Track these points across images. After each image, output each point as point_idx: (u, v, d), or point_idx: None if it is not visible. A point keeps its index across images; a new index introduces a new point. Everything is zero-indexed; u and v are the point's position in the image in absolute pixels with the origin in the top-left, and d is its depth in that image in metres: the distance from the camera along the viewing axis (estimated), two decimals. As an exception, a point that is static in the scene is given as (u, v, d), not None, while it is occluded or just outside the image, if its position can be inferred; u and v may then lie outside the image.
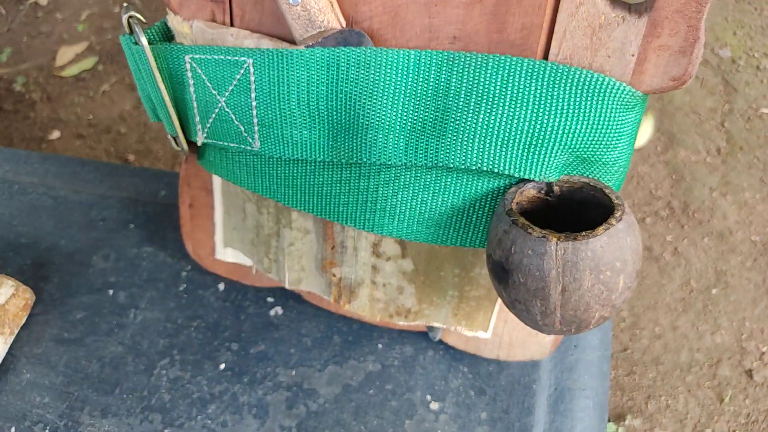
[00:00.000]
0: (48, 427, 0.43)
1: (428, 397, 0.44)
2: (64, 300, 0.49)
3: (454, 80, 0.31)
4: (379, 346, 0.46)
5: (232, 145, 0.36)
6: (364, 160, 0.33)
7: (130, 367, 0.46)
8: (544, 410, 0.44)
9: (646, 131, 1.25)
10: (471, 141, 0.31)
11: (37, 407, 0.44)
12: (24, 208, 0.55)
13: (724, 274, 1.10)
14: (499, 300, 0.40)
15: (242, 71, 0.33)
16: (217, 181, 0.43)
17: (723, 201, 1.18)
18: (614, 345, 1.02)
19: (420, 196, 0.34)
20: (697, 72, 1.35)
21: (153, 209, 0.54)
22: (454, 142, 0.31)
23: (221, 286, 0.50)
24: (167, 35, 0.37)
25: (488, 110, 0.31)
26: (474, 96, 0.31)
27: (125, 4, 0.37)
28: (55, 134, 1.36)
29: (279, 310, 0.48)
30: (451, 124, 0.31)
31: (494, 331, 0.42)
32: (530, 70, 0.30)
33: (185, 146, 0.40)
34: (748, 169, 1.22)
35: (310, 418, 0.43)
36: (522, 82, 0.30)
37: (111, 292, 0.49)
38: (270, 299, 0.49)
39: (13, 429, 0.43)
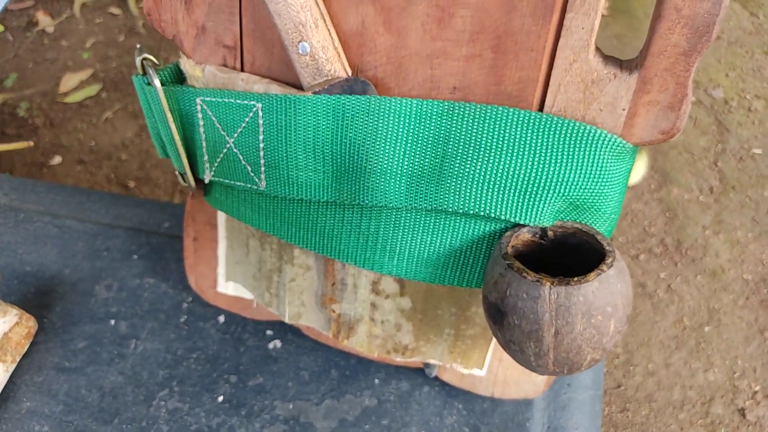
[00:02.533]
0: (46, 456, 0.43)
1: (423, 433, 0.45)
2: (66, 329, 0.50)
3: (453, 129, 0.32)
4: (376, 381, 0.47)
5: (238, 183, 0.38)
6: (366, 202, 0.34)
7: (130, 398, 0.46)
8: (536, 448, 0.44)
9: (640, 169, 1.27)
10: (469, 187, 0.33)
11: (36, 436, 0.44)
12: (29, 237, 0.56)
13: (716, 312, 1.11)
14: (494, 339, 0.41)
15: (251, 114, 0.35)
16: (221, 217, 0.44)
17: (716, 239, 1.20)
18: (608, 381, 1.02)
19: (419, 237, 0.36)
20: (691, 112, 1.38)
21: (156, 240, 0.55)
22: (453, 187, 0.33)
23: (221, 319, 0.50)
24: (179, 77, 0.39)
25: (486, 158, 0.32)
26: (473, 144, 0.32)
27: (138, 46, 0.38)
28: (57, 159, 1.37)
29: (278, 343, 0.49)
30: (451, 171, 0.33)
31: (489, 369, 0.43)
32: (526, 121, 0.32)
33: (192, 182, 0.41)
34: (741, 208, 1.24)
35: (306, 452, 0.44)
36: (518, 132, 0.32)
37: (113, 322, 0.50)
38: (269, 332, 0.50)
39: (11, 457, 0.43)
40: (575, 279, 0.30)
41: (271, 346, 0.49)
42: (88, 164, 1.35)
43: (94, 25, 1.60)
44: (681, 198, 1.25)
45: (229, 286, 0.47)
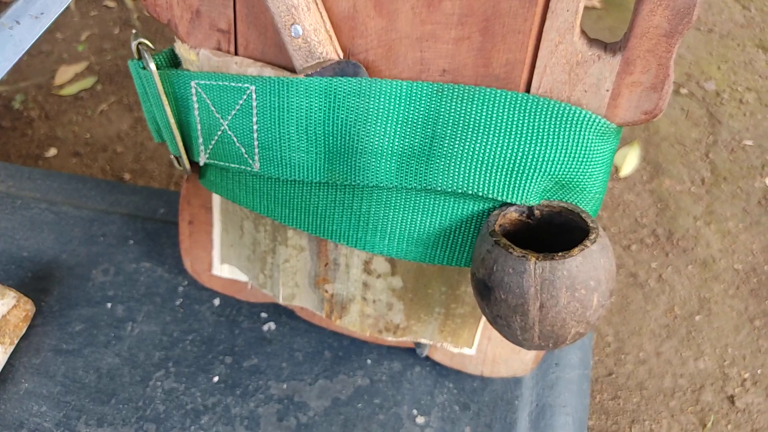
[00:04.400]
0: (45, 435, 0.44)
1: (414, 412, 0.46)
2: (63, 312, 0.50)
3: (442, 110, 0.33)
4: (368, 361, 0.48)
5: (232, 165, 0.38)
6: (358, 182, 0.35)
7: (126, 378, 0.47)
8: (525, 426, 0.45)
9: (632, 161, 1.28)
10: (458, 166, 0.33)
11: (34, 416, 0.45)
12: (26, 223, 0.56)
13: (707, 301, 1.12)
14: (484, 318, 0.42)
15: (245, 97, 0.35)
16: (216, 200, 0.45)
17: (707, 230, 1.21)
18: (599, 369, 1.04)
19: (410, 217, 0.37)
20: (683, 104, 1.39)
21: (152, 226, 0.56)
22: (442, 166, 0.34)
23: (216, 302, 0.51)
24: (174, 61, 0.40)
25: (474, 138, 0.33)
26: (461, 125, 0.33)
27: (134, 31, 0.39)
28: (52, 152, 1.37)
29: (272, 325, 0.50)
30: (440, 150, 0.34)
31: (478, 347, 0.44)
32: (513, 102, 0.32)
33: (187, 166, 0.42)
34: (732, 199, 1.25)
35: (300, 430, 0.45)
36: (505, 113, 0.33)
37: (109, 305, 0.51)
38: (263, 315, 0.51)
39: (10, 436, 0.44)
40: (560, 254, 0.31)
41: (265, 328, 0.50)
42: (83, 156, 1.35)
43: (89, 18, 1.60)
44: (673, 189, 1.26)
45: (224, 269, 0.48)
